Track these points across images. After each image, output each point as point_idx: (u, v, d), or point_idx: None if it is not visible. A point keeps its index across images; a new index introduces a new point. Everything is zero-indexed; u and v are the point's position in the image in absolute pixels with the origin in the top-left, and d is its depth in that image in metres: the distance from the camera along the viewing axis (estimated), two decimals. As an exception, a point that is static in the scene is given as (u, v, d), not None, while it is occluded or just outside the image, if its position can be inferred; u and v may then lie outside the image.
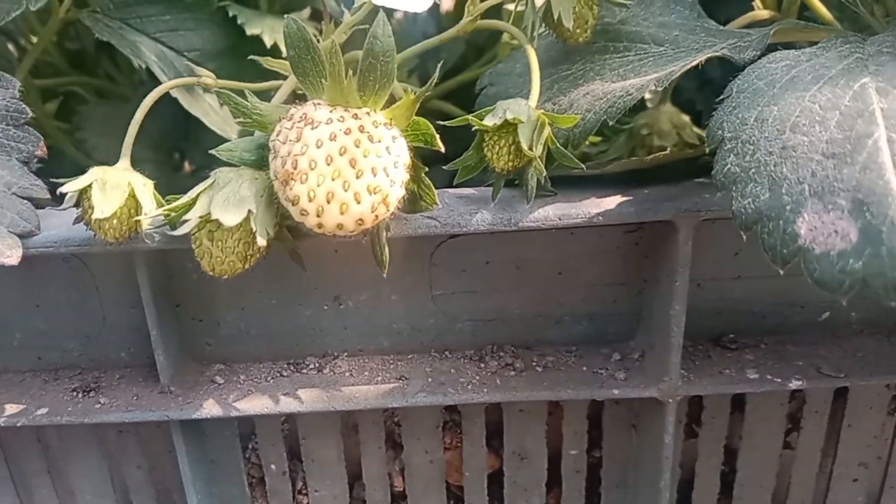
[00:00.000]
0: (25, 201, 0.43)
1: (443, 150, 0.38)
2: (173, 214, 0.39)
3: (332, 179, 0.35)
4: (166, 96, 0.46)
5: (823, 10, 0.51)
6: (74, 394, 0.49)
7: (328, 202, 0.35)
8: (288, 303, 0.49)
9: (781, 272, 0.30)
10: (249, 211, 0.37)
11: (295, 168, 0.35)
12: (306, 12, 0.79)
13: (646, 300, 0.49)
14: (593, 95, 0.40)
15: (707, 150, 0.34)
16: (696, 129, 0.56)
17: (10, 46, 0.74)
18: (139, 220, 0.39)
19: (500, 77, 0.49)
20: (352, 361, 0.51)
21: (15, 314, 0.50)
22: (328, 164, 0.35)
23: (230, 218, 0.36)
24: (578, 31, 0.44)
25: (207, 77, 0.43)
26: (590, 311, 0.50)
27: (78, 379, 0.51)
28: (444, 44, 0.48)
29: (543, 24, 0.46)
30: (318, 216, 0.35)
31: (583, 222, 0.42)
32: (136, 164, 0.43)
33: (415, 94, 0.38)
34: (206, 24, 0.65)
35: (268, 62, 0.45)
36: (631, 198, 0.42)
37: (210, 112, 0.64)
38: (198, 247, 0.39)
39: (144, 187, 0.40)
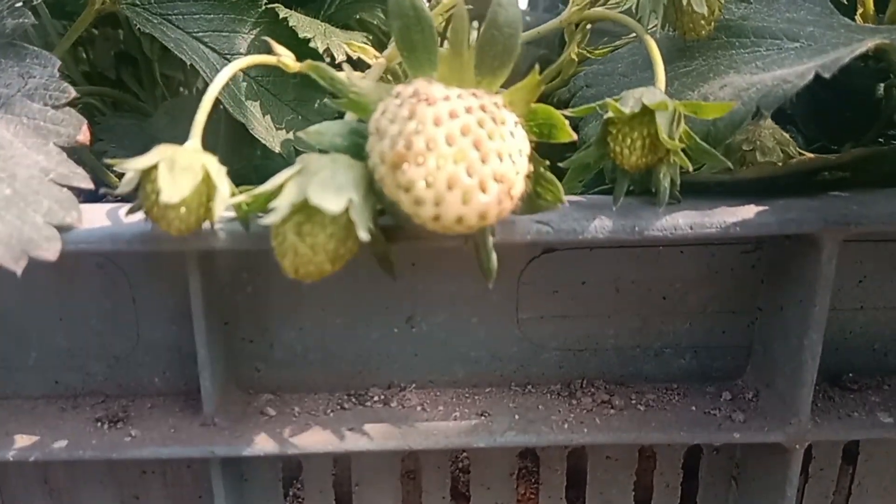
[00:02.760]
0: (65, 189, 0.37)
1: (575, 137, 0.32)
2: (254, 204, 0.32)
3: (455, 163, 0.29)
4: (193, 107, 0.40)
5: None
6: (99, 424, 0.42)
7: (449, 189, 0.29)
8: (353, 323, 0.43)
9: None
10: (350, 199, 0.31)
11: (409, 149, 0.30)
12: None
13: (760, 332, 0.44)
14: (735, 87, 0.35)
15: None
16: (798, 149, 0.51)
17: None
18: (212, 210, 0.33)
19: (598, 78, 0.44)
20: (422, 394, 0.44)
21: (33, 328, 0.43)
22: (450, 146, 0.30)
23: (332, 204, 0.30)
24: (703, 22, 0.39)
25: (287, 57, 0.38)
26: (694, 342, 0.44)
27: (101, 408, 0.43)
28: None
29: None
30: (436, 205, 0.30)
31: (717, 233, 0.36)
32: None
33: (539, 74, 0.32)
34: (252, 27, 0.60)
35: (352, 46, 0.40)
36: (767, 207, 0.37)
37: (252, 121, 0.58)
38: (280, 243, 0.32)
39: (219, 171, 0.34)
